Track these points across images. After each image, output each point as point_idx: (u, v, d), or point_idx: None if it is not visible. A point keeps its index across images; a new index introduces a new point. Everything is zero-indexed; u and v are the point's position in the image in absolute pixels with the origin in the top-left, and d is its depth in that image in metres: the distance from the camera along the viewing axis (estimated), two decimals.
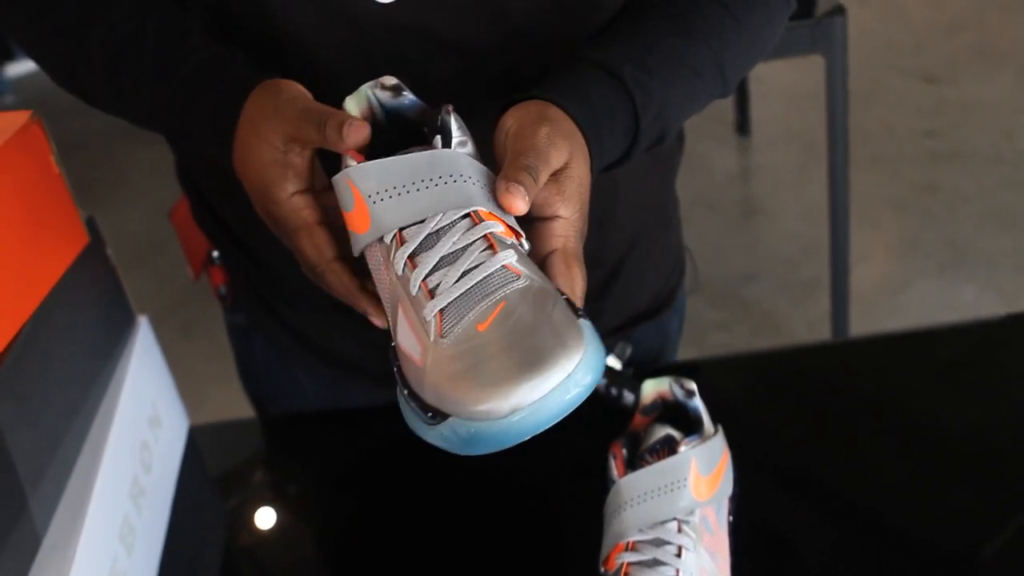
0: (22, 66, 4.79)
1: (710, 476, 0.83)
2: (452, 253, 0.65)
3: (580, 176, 0.73)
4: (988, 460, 0.99)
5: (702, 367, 1.20)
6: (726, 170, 3.58)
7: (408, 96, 0.74)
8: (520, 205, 0.67)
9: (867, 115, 3.63)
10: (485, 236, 0.65)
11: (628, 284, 1.09)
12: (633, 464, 0.85)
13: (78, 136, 2.38)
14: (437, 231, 0.66)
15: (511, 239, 0.67)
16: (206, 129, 0.80)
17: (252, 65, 0.82)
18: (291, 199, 0.74)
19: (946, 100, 3.82)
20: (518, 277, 0.64)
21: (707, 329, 2.76)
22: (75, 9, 0.86)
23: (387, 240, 0.66)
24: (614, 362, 1.06)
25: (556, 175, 0.72)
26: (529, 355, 0.58)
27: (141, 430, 0.98)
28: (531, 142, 0.70)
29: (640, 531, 0.81)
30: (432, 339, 0.62)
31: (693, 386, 0.88)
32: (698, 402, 0.88)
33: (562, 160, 0.72)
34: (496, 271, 0.64)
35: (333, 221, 0.75)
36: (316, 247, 0.74)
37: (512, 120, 0.74)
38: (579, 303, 0.70)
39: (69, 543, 0.80)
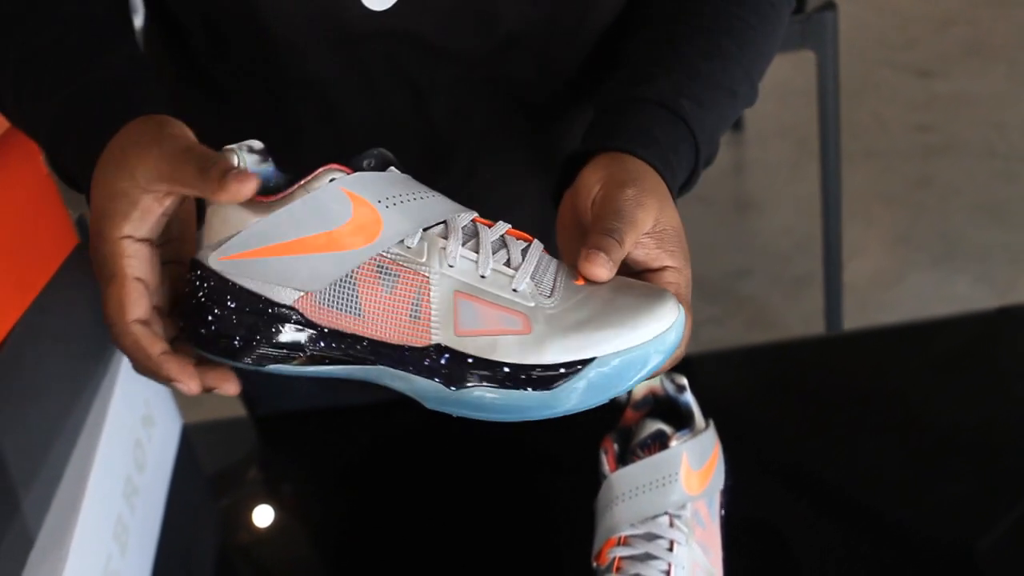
0: None
1: (701, 470, 0.83)
2: (495, 241, 0.66)
3: (675, 225, 0.73)
4: (982, 453, 0.99)
5: (695, 361, 1.20)
6: (719, 165, 3.52)
7: (271, 165, 0.69)
8: (602, 272, 0.66)
9: (859, 110, 3.64)
10: (508, 232, 0.68)
11: None
12: (624, 459, 0.85)
13: None
14: (463, 228, 0.66)
15: None
16: (76, 148, 0.74)
17: (157, 97, 0.76)
18: (121, 241, 0.66)
19: (938, 94, 3.82)
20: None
21: (700, 324, 2.75)
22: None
23: (411, 242, 0.64)
24: None
25: (652, 232, 0.71)
26: (647, 290, 0.65)
27: (134, 429, 0.99)
28: (615, 207, 0.69)
29: (632, 525, 0.81)
30: (535, 304, 0.63)
31: (684, 381, 0.89)
32: (689, 397, 0.88)
33: (652, 217, 0.70)
34: (548, 257, 0.67)
35: (154, 287, 0.68)
36: (119, 303, 0.65)
37: (597, 183, 0.72)
38: (684, 351, 0.72)
39: (62, 542, 0.80)
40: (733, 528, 0.87)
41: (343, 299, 0.64)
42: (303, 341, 0.66)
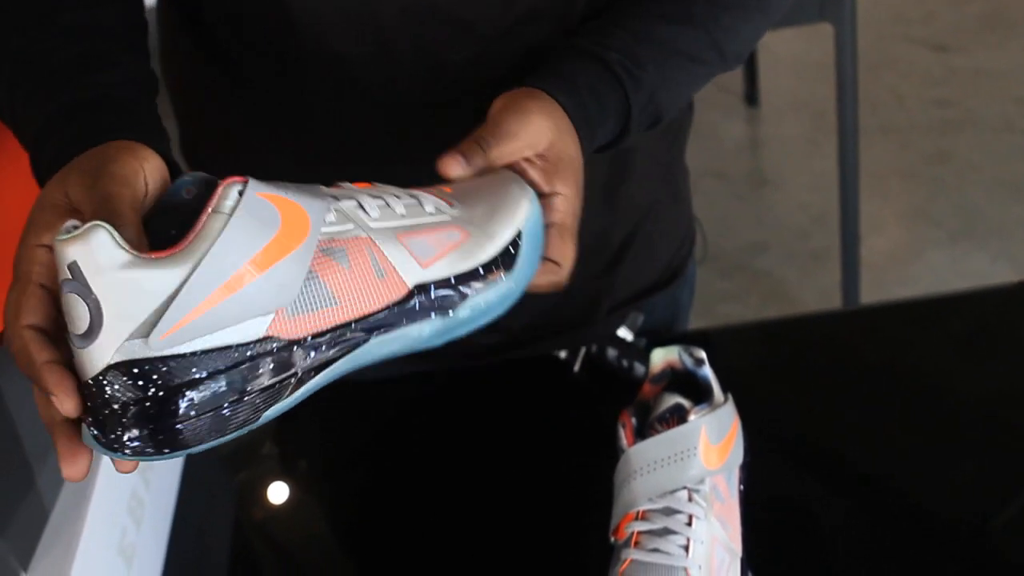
0: None
1: (720, 444, 0.83)
2: (367, 191, 0.68)
3: (571, 156, 0.76)
4: (1000, 429, 0.98)
5: (712, 336, 1.19)
6: (735, 140, 3.56)
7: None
8: (451, 169, 0.72)
9: (877, 84, 3.61)
10: (354, 184, 0.69)
11: (639, 256, 1.09)
12: (642, 433, 0.84)
13: None
14: (341, 194, 0.66)
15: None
16: (50, 161, 0.70)
17: (142, 123, 0.73)
18: (36, 248, 0.61)
19: (956, 69, 3.79)
20: None
21: (716, 300, 2.75)
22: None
23: (331, 218, 0.62)
24: (625, 333, 1.06)
25: (547, 154, 0.75)
26: (499, 175, 0.74)
27: None
28: (499, 119, 0.75)
29: (650, 500, 0.81)
30: (450, 216, 0.69)
31: (702, 354, 0.88)
32: (707, 370, 0.87)
33: (545, 139, 0.75)
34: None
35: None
36: (16, 304, 0.60)
37: (500, 101, 0.77)
38: (566, 277, 0.77)
39: (77, 517, 0.80)
40: (751, 503, 0.86)
41: (314, 297, 0.61)
42: (292, 365, 0.61)
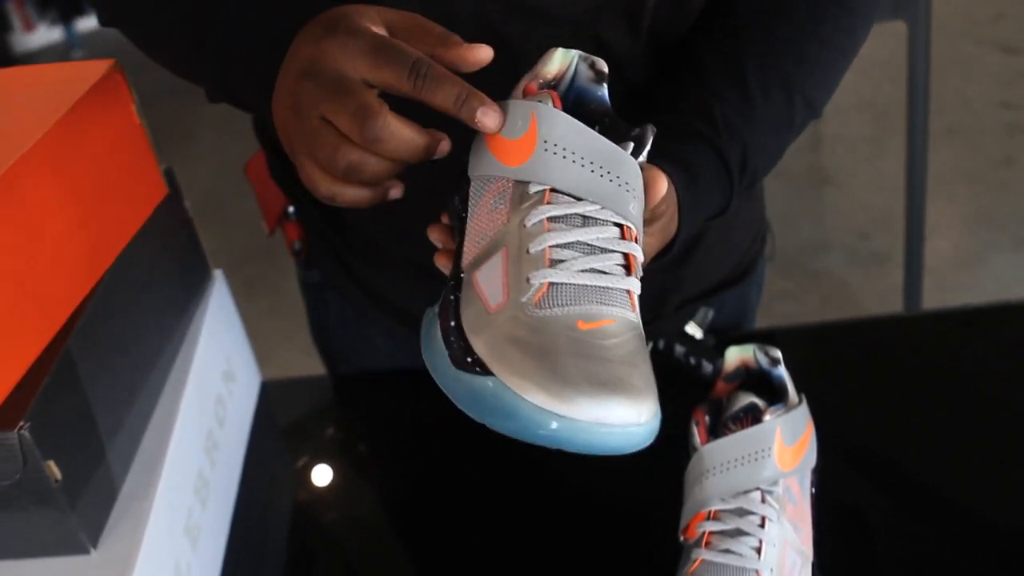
0: (92, 21, 4.80)
1: (794, 446, 0.81)
2: (592, 245, 0.62)
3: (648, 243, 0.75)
4: None
5: (779, 336, 1.17)
6: (797, 139, 3.52)
7: (604, 90, 0.69)
8: None
9: (943, 85, 3.55)
10: (627, 254, 0.63)
11: (711, 251, 1.07)
12: (715, 432, 0.83)
13: (146, 91, 2.39)
14: (586, 217, 0.62)
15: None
16: (267, 41, 0.73)
17: None
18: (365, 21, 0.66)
19: None
20: (633, 310, 0.62)
21: (775, 298, 2.72)
22: None
23: (531, 190, 0.62)
24: (694, 330, 1.04)
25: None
26: (614, 380, 0.56)
27: (215, 384, 0.98)
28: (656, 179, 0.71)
29: (722, 500, 0.79)
30: (523, 299, 0.60)
31: (778, 354, 0.86)
32: (783, 371, 0.86)
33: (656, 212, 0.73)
34: (619, 290, 0.61)
35: None
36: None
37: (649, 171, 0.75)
38: None
39: (146, 495, 0.80)
40: (821, 506, 0.85)
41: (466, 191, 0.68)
42: None
